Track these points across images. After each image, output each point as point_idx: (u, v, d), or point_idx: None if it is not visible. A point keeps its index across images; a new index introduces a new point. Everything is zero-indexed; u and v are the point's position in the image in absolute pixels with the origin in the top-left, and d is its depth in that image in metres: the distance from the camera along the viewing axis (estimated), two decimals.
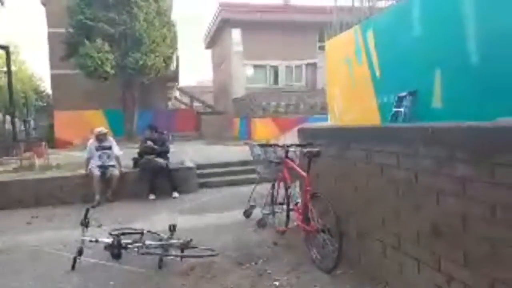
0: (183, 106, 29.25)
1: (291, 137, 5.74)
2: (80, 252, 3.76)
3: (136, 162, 7.39)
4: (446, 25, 5.39)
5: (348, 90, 8.79)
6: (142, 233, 4.07)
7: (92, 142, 7.12)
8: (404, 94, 6.17)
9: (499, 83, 4.49)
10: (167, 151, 7.44)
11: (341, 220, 3.28)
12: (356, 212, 3.33)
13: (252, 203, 5.24)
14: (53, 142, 18.09)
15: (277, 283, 3.17)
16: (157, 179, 7.06)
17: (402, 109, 6.16)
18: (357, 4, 9.31)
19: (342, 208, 3.39)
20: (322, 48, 19.19)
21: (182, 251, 3.70)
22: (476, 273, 2.10)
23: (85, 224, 3.94)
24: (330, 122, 9.96)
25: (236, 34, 21.21)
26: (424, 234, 2.50)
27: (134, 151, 7.74)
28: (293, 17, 20.76)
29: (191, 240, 3.80)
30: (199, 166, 8.19)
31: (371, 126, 3.92)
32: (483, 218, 2.04)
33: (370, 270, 3.14)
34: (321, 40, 19.42)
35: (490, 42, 4.70)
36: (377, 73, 7.45)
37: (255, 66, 21.78)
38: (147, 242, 3.80)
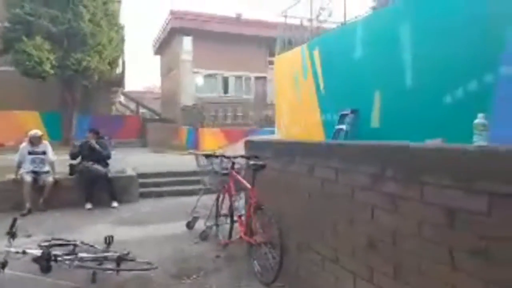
0: (128, 112, 28.25)
1: (239, 149, 5.76)
2: (3, 264, 3.44)
3: (72, 168, 6.98)
4: (386, 50, 5.77)
5: (294, 105, 9.05)
6: (75, 245, 3.84)
7: (24, 146, 6.63)
8: (346, 112, 6.48)
9: (429, 107, 4.88)
10: (109, 157, 7.11)
11: (283, 233, 3.34)
12: (298, 225, 3.40)
13: (195, 215, 5.16)
14: None
15: None
16: (95, 188, 6.72)
17: (344, 127, 6.45)
18: (305, 23, 9.69)
19: (284, 221, 3.44)
20: (272, 62, 19.64)
21: (118, 264, 3.53)
22: (404, 285, 2.23)
23: (11, 234, 3.63)
24: (277, 135, 10.17)
25: (187, 42, 21.04)
26: (360, 248, 2.62)
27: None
28: (245, 30, 21.05)
29: (128, 252, 3.65)
30: (142, 175, 7.92)
31: (314, 141, 4.06)
32: (411, 234, 2.18)
33: (308, 283, 3.21)
34: (272, 54, 19.89)
35: (423, 68, 5.10)
36: (322, 91, 7.76)
37: (205, 76, 21.70)
38: (81, 255, 3.59)
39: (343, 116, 6.56)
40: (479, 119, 2.04)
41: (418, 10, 5.23)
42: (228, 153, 5.47)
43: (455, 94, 4.66)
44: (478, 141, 1.98)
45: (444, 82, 4.72)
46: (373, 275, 2.47)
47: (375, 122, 6.00)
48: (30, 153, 6.55)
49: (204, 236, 4.69)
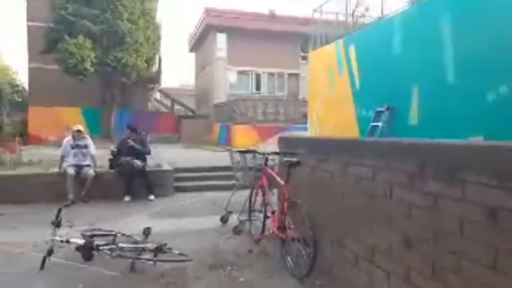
0: (163, 109, 28.98)
1: (271, 145, 5.78)
2: (50, 252, 3.66)
3: (112, 162, 7.27)
4: (425, 45, 5.58)
5: (328, 101, 8.94)
6: (115, 235, 4.01)
7: (67, 140, 6.97)
8: (382, 109, 6.34)
9: (472, 104, 4.68)
10: (148, 153, 7.34)
11: (317, 230, 3.33)
12: (332, 222, 3.38)
13: (229, 210, 5.24)
14: (26, 138, 17.56)
15: None
16: (133, 181, 6.97)
17: (380, 124, 6.32)
18: (341, 18, 9.54)
19: (318, 218, 3.44)
20: (304, 58, 19.49)
21: (155, 255, 3.66)
22: (442, 285, 2.17)
23: (56, 223, 3.84)
24: (310, 131, 10.10)
25: (221, 39, 21.29)
26: (396, 247, 2.57)
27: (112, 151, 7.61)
28: (278, 27, 21.01)
29: (165, 244, 3.77)
30: (177, 170, 8.12)
31: (349, 138, 4.01)
32: (451, 233, 2.12)
33: (342, 280, 3.19)
34: (304, 51, 19.73)
35: (465, 64, 4.90)
36: (357, 87, 7.63)
37: (238, 73, 21.87)
38: (120, 245, 3.74)
39: (378, 113, 6.43)
40: None
41: (460, 2, 5.02)
42: (261, 149, 5.51)
43: (498, 90, 4.44)
44: None
45: (487, 78, 4.52)
46: (410, 274, 2.42)
47: (413, 119, 5.83)
48: (72, 147, 6.88)
49: (237, 231, 4.75)
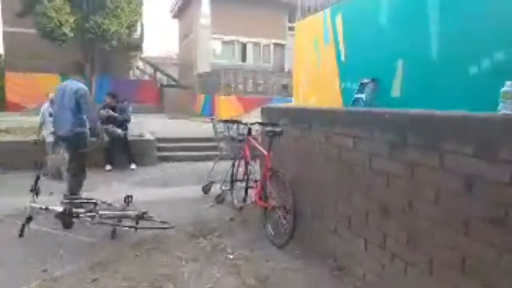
0: (146, 77, 28.31)
1: (255, 117, 5.75)
2: (28, 220, 3.62)
3: (92, 130, 7.11)
4: (411, 18, 5.53)
5: (313, 73, 8.87)
6: (95, 203, 3.98)
7: (46, 107, 6.76)
8: (366, 81, 6.32)
9: (454, 77, 4.71)
10: (128, 120, 7.21)
11: (298, 199, 3.37)
12: (312, 191, 3.42)
13: (211, 179, 5.24)
14: (3, 105, 17.00)
15: (231, 256, 3.23)
16: (115, 150, 6.87)
17: (363, 95, 6.30)
18: None
19: (299, 187, 3.47)
20: (291, 29, 19.15)
21: (136, 222, 3.66)
22: (416, 251, 2.25)
23: (35, 191, 3.78)
24: (294, 103, 10.06)
25: (205, 5, 20.62)
26: (373, 215, 2.63)
27: None
28: None
29: (146, 212, 3.76)
30: (160, 140, 8.05)
31: (331, 108, 4.01)
32: (427, 201, 2.17)
33: (321, 247, 3.27)
34: (291, 21, 19.37)
35: (449, 37, 4.89)
36: (343, 59, 7.56)
37: (223, 42, 21.39)
38: (101, 212, 3.72)
39: (362, 85, 6.39)
40: (507, 86, 1.96)
41: None
42: (246, 120, 5.47)
43: (480, 64, 4.47)
44: (504, 109, 1.91)
45: (470, 52, 4.53)
46: (386, 241, 2.49)
47: (396, 91, 5.85)
48: (51, 114, 6.68)
49: (219, 200, 4.78)
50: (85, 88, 4.67)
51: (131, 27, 17.50)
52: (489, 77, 4.22)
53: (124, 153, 6.93)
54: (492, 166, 1.80)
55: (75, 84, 4.57)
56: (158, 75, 26.83)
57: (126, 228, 3.62)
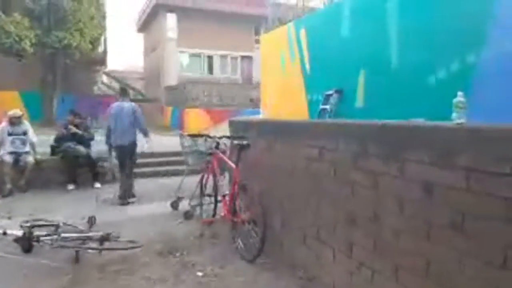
0: (111, 92, 27.69)
1: (224, 129, 5.73)
2: None
3: (54, 149, 6.85)
4: (371, 30, 5.74)
5: (280, 85, 8.99)
6: (57, 225, 3.81)
7: (4, 126, 6.44)
8: (330, 92, 6.47)
9: (414, 87, 4.90)
10: (91, 138, 6.98)
11: (267, 211, 3.36)
12: (282, 203, 3.43)
13: (180, 195, 5.15)
14: None
15: (200, 273, 3.16)
16: (78, 168, 6.62)
17: (328, 107, 6.45)
18: (292, 1, 9.54)
19: (269, 199, 3.47)
20: (258, 41, 19.41)
21: (101, 243, 3.52)
22: (382, 259, 2.29)
23: None
24: (263, 116, 10.13)
25: (171, 19, 20.55)
26: (340, 224, 2.66)
27: (52, 137, 7.14)
28: (230, 8, 20.65)
29: (111, 232, 3.63)
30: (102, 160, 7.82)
31: (297, 121, 4.06)
32: (390, 208, 2.22)
33: (291, 258, 3.27)
34: (258, 33, 19.62)
35: (407, 48, 5.10)
36: (308, 71, 7.72)
37: (190, 55, 21.34)
38: (63, 235, 3.56)
39: (327, 96, 6.55)
40: (459, 97, 2.06)
41: None
42: (213, 133, 5.44)
43: (438, 74, 4.69)
44: (457, 118, 2.00)
45: (428, 62, 4.74)
46: (353, 250, 2.52)
47: (359, 101, 6.02)
48: (10, 133, 6.38)
49: (188, 216, 4.69)
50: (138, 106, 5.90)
51: (94, 41, 17.16)
52: (445, 86, 4.43)
53: (88, 171, 6.70)
54: (449, 173, 1.88)
55: (130, 104, 5.77)
56: None
57: (91, 251, 3.48)
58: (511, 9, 3.72)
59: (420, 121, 3.78)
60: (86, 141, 6.82)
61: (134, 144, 5.69)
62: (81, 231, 3.80)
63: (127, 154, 5.63)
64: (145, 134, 5.89)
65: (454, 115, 2.01)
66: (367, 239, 2.41)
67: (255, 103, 15.47)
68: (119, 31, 51.36)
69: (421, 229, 2.02)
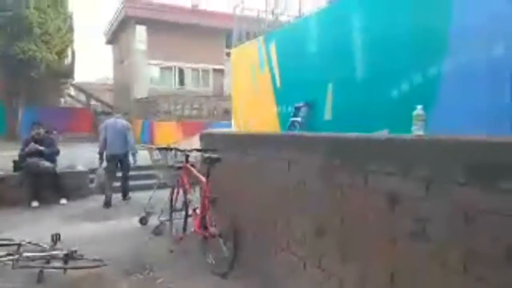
0: (78, 105, 26.97)
1: (195, 142, 5.71)
2: None
3: (17, 164, 6.57)
4: (338, 44, 5.92)
5: (251, 98, 9.07)
6: (19, 244, 3.63)
7: None
8: (300, 105, 6.59)
9: (379, 99, 5.08)
10: (56, 153, 6.76)
11: (238, 225, 3.36)
12: (253, 216, 3.44)
13: (149, 210, 5.05)
14: None
15: None
16: (42, 184, 6.38)
17: (298, 119, 6.56)
18: (262, 15, 9.71)
19: (240, 213, 3.47)
20: (229, 54, 19.54)
21: (66, 262, 3.39)
22: (350, 268, 2.33)
23: None
24: (234, 128, 10.15)
25: (141, 32, 20.36)
26: (310, 235, 2.70)
27: (16, 152, 6.86)
28: (201, 21, 20.71)
29: (76, 250, 3.51)
30: (93, 170, 7.61)
31: (266, 133, 4.11)
32: (357, 220, 2.28)
33: (263, 271, 3.26)
34: (229, 46, 19.76)
35: (371, 63, 5.30)
36: (278, 84, 7.84)
37: (161, 67, 21.16)
38: (25, 254, 3.40)
39: (297, 109, 6.67)
40: (418, 110, 2.16)
41: (368, 5, 5.40)
42: (184, 146, 5.40)
43: (401, 88, 4.88)
44: (417, 130, 2.10)
45: (391, 76, 4.93)
46: (322, 261, 2.55)
47: (328, 114, 6.16)
48: None
49: (157, 231, 4.61)
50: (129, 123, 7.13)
51: (61, 53, 16.76)
52: (408, 99, 4.61)
53: (53, 187, 6.46)
54: (410, 183, 1.95)
55: (122, 120, 6.99)
56: (92, 102, 25.73)
57: (55, 270, 3.34)
58: (471, 25, 3.94)
59: (384, 132, 3.92)
60: (51, 155, 6.60)
61: (127, 154, 6.68)
62: (45, 250, 3.65)
63: (118, 162, 6.63)
64: (134, 154, 6.65)
65: (413, 127, 2.11)
66: (335, 249, 2.45)
67: (228, 115, 15.49)
68: (89, 43, 50.36)
69: (386, 238, 2.08)
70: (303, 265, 2.76)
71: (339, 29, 5.89)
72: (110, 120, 6.86)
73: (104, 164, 6.60)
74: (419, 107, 2.15)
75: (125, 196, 6.84)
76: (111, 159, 6.55)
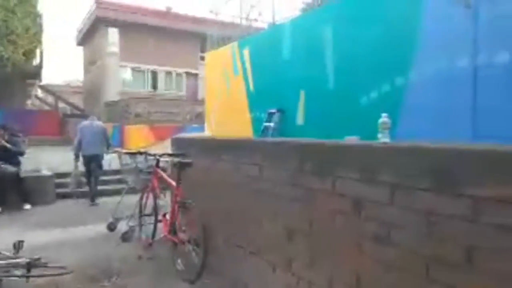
0: (46, 107, 26.07)
1: (167, 147, 5.65)
2: None
3: None
4: (311, 52, 6.03)
5: (225, 103, 9.07)
6: None
7: None
8: (273, 110, 6.65)
9: (349, 106, 5.20)
10: (21, 154, 6.49)
11: (209, 230, 3.34)
12: (224, 221, 3.42)
13: (117, 215, 4.93)
14: None
15: None
16: (5, 189, 6.11)
17: (271, 124, 6.62)
18: (237, 21, 9.75)
19: (211, 218, 3.45)
20: (203, 58, 19.46)
21: (28, 271, 3.25)
22: (318, 272, 2.36)
23: None
24: (207, 132, 10.10)
25: (113, 34, 19.97)
26: (280, 239, 2.71)
27: None
28: (175, 25, 20.57)
29: (39, 258, 3.37)
30: (59, 175, 7.37)
31: (239, 139, 4.11)
32: (325, 224, 2.31)
33: (233, 276, 3.25)
34: (203, 51, 19.68)
35: (342, 70, 5.42)
36: (252, 89, 7.88)
37: (133, 70, 20.80)
38: None
39: (270, 114, 6.73)
40: (383, 118, 2.23)
41: (339, 15, 5.53)
42: (156, 151, 5.31)
43: (370, 95, 5.02)
44: (382, 138, 2.16)
45: (361, 84, 5.06)
46: (291, 265, 2.57)
47: (300, 120, 6.24)
48: None
49: (126, 237, 4.50)
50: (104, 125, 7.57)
51: (28, 53, 16.17)
52: (376, 107, 4.75)
53: (16, 192, 6.20)
54: (375, 189, 2.00)
55: (98, 122, 7.39)
56: (61, 104, 24.93)
57: (17, 278, 3.20)
58: (435, 38, 4.11)
59: (354, 138, 4.01)
60: (14, 159, 6.34)
61: (102, 155, 6.93)
62: (6, 258, 3.48)
63: (97, 161, 6.84)
64: (111, 147, 7.15)
65: (379, 135, 2.17)
66: (304, 254, 2.48)
67: (202, 119, 15.39)
68: (59, 44, 48.85)
69: (352, 242, 2.13)
70: (273, 269, 2.77)
71: (312, 38, 6.00)
72: (86, 122, 7.15)
73: (80, 164, 6.79)
74: (384, 115, 2.22)
75: (94, 199, 6.79)
76: (90, 159, 6.75)
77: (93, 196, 6.79)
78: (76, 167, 6.82)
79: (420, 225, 1.79)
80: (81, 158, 6.82)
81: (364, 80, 5.04)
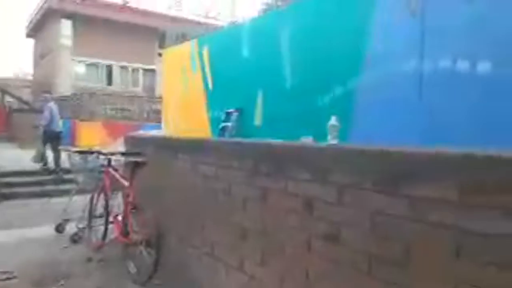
0: None
1: (122, 145, 5.47)
2: None
3: None
4: (268, 52, 6.09)
5: (182, 101, 8.94)
6: None
7: None
8: (231, 110, 6.65)
9: (305, 108, 5.31)
10: None
11: (162, 231, 3.28)
12: (179, 222, 3.39)
13: (66, 217, 4.72)
14: None
15: None
16: None
17: (229, 124, 6.61)
18: (197, 18, 9.65)
19: (165, 218, 3.39)
20: (161, 55, 19.05)
21: None
22: (270, 270, 2.40)
23: None
24: (164, 130, 9.91)
25: (66, 26, 19.07)
26: (234, 239, 2.73)
27: None
28: (132, 19, 19.98)
29: None
30: (4, 174, 6.95)
31: (195, 138, 4.09)
32: (277, 223, 2.36)
33: (187, 277, 3.22)
34: (162, 47, 19.28)
35: (298, 72, 5.53)
36: (210, 88, 7.83)
37: (87, 64, 19.97)
38: None
39: (228, 114, 6.72)
40: (332, 120, 2.31)
41: (296, 18, 5.64)
42: (109, 149, 5.14)
43: (324, 98, 5.16)
44: (331, 140, 2.24)
45: (317, 86, 5.19)
46: (244, 264, 2.60)
47: (258, 120, 6.29)
48: None
49: (75, 239, 4.33)
50: None
51: None
52: (330, 108, 4.89)
53: None
54: (324, 189, 2.07)
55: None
56: (8, 98, 23.37)
57: None
58: (385, 41, 4.30)
59: (309, 139, 4.10)
60: None
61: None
62: None
63: (59, 137, 8.50)
64: None
65: (329, 137, 2.24)
66: (256, 253, 2.51)
67: (159, 117, 15.08)
68: (7, 36, 45.73)
69: (303, 241, 2.18)
70: (226, 269, 2.78)
71: (269, 38, 6.06)
72: (51, 103, 8.75)
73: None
74: (334, 117, 2.30)
75: (58, 164, 7.99)
76: (56, 136, 8.37)
77: (57, 162, 8.09)
78: (42, 146, 8.22)
79: (365, 224, 1.88)
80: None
81: (319, 82, 5.17)
